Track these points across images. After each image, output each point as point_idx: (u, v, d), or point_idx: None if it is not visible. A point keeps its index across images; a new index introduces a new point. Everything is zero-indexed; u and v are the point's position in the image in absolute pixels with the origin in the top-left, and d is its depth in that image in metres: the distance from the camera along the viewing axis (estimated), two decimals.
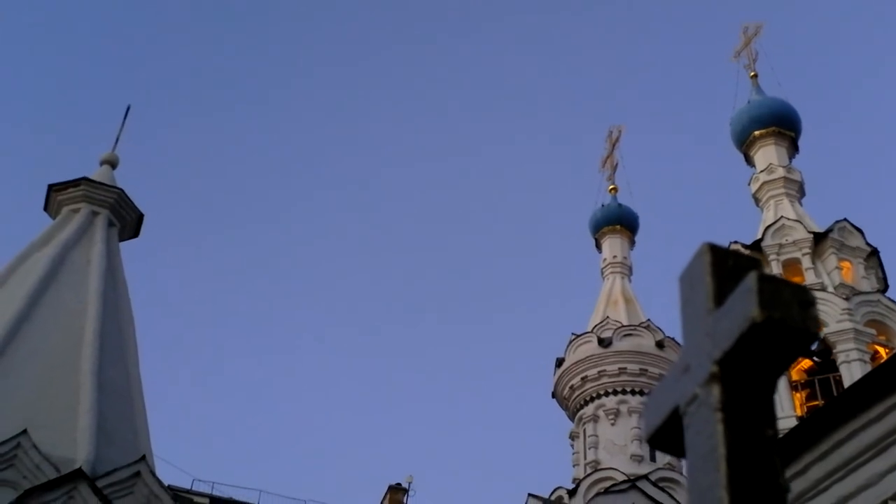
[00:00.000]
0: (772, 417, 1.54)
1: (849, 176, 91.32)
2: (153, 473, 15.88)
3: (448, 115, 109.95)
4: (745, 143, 30.14)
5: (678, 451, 1.63)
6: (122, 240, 20.90)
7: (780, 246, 25.90)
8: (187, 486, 35.84)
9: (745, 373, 1.54)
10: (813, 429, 10.18)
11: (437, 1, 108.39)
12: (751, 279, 1.51)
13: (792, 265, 25.67)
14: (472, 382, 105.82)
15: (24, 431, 14.88)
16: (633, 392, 27.46)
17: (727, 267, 1.60)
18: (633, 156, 56.64)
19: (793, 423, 19.32)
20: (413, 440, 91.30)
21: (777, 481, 1.48)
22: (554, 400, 30.01)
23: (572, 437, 28.60)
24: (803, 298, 1.50)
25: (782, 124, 30.00)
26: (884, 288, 25.91)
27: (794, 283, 1.56)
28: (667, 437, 1.67)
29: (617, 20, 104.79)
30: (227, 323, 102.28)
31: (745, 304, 1.50)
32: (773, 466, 1.49)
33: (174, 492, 17.44)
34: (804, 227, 26.27)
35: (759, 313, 1.47)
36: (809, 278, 24.84)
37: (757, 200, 29.01)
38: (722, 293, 1.58)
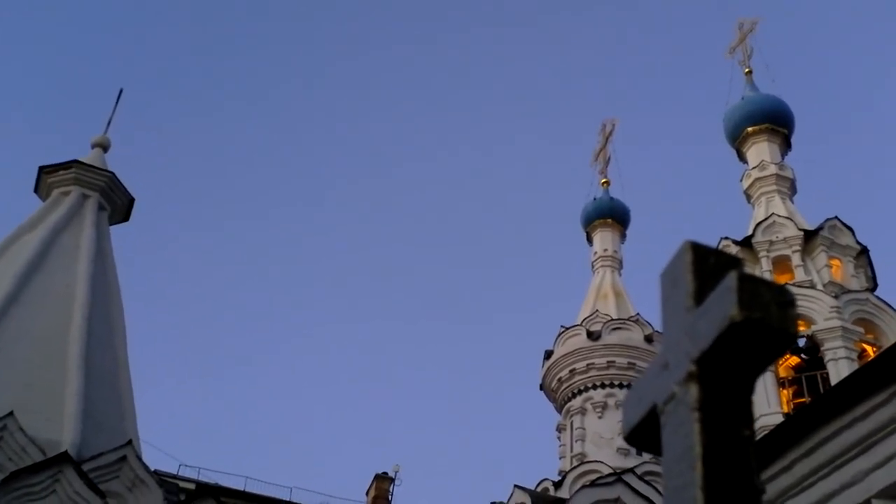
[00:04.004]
0: (749, 418, 1.53)
1: (840, 174, 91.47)
2: (139, 458, 15.87)
3: (445, 112, 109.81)
4: (737, 140, 30.14)
5: (656, 448, 1.62)
6: (112, 224, 20.83)
7: (771, 243, 25.96)
8: (174, 472, 35.78)
9: (723, 372, 1.53)
10: (799, 425, 10.20)
11: (437, 1, 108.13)
12: (731, 278, 1.50)
13: (782, 262, 25.74)
14: (460, 374, 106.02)
15: (11, 413, 14.84)
16: (620, 385, 27.54)
17: (708, 265, 1.59)
18: (626, 150, 56.74)
19: (779, 419, 19.40)
20: (400, 430, 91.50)
21: (753, 482, 1.47)
22: (542, 392, 30.09)
23: (559, 429, 28.68)
24: (783, 299, 1.48)
25: (775, 121, 30.01)
26: (873, 286, 26.00)
27: (774, 282, 1.55)
28: (645, 434, 1.66)
29: (612, 14, 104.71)
30: (216, 310, 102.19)
31: (724, 303, 1.49)
32: (750, 467, 1.48)
33: (160, 476, 17.39)
34: (795, 224, 26.32)
35: (738, 313, 1.46)
36: (799, 276, 24.92)
37: (748, 197, 29.05)
38: (702, 292, 1.57)
